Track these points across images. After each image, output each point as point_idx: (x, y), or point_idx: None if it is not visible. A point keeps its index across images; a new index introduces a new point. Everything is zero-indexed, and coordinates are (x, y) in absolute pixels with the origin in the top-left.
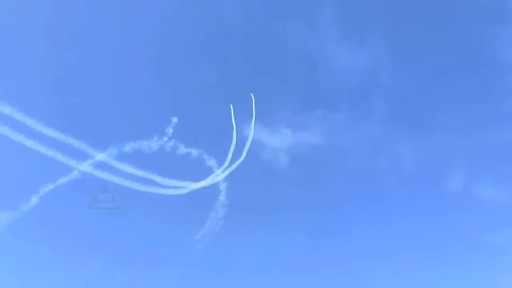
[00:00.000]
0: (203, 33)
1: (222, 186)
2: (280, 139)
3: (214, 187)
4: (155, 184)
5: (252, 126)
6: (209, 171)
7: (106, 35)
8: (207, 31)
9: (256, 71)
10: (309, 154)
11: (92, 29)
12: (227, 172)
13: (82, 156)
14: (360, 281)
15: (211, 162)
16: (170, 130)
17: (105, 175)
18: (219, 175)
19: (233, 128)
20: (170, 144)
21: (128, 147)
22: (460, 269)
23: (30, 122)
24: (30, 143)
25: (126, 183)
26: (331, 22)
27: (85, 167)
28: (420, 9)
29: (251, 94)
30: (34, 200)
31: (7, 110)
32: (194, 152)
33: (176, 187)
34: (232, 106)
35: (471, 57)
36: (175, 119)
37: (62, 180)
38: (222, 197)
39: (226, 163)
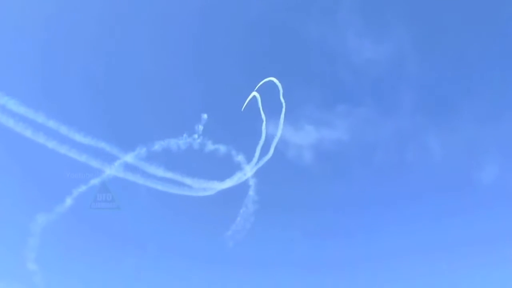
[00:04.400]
0: (227, 30)
1: (252, 182)
2: (304, 135)
3: (243, 183)
4: (184, 185)
5: (282, 117)
6: (237, 167)
7: (134, 34)
8: (231, 28)
9: (277, 67)
10: (334, 150)
11: (119, 29)
12: (255, 169)
13: (112, 158)
14: (395, 278)
15: (239, 158)
16: (201, 127)
17: (134, 177)
18: (247, 173)
19: (262, 121)
20: (199, 141)
21: (157, 146)
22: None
23: (63, 129)
24: (63, 148)
25: (156, 185)
26: (352, 14)
27: (115, 168)
28: None
29: (277, 82)
30: (68, 201)
31: (40, 118)
32: (222, 148)
33: (204, 188)
34: (259, 95)
35: (500, 42)
36: (205, 116)
37: (94, 181)
38: (251, 193)
39: (255, 160)
